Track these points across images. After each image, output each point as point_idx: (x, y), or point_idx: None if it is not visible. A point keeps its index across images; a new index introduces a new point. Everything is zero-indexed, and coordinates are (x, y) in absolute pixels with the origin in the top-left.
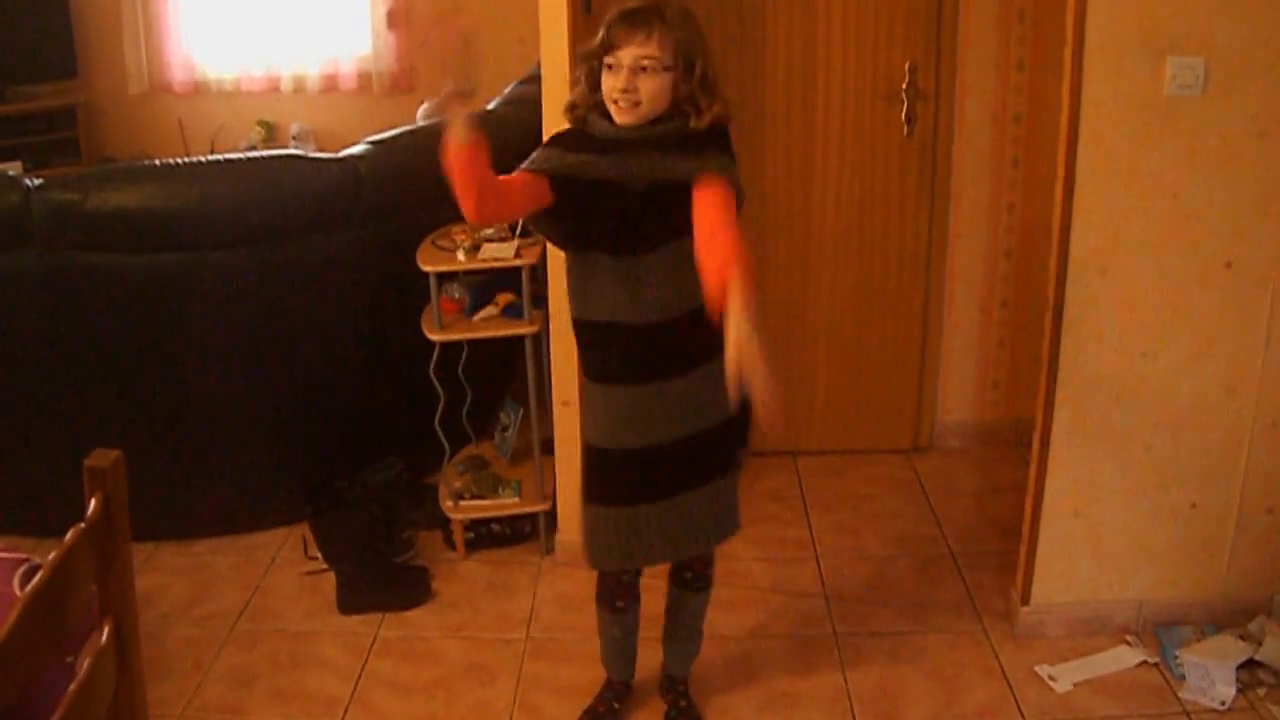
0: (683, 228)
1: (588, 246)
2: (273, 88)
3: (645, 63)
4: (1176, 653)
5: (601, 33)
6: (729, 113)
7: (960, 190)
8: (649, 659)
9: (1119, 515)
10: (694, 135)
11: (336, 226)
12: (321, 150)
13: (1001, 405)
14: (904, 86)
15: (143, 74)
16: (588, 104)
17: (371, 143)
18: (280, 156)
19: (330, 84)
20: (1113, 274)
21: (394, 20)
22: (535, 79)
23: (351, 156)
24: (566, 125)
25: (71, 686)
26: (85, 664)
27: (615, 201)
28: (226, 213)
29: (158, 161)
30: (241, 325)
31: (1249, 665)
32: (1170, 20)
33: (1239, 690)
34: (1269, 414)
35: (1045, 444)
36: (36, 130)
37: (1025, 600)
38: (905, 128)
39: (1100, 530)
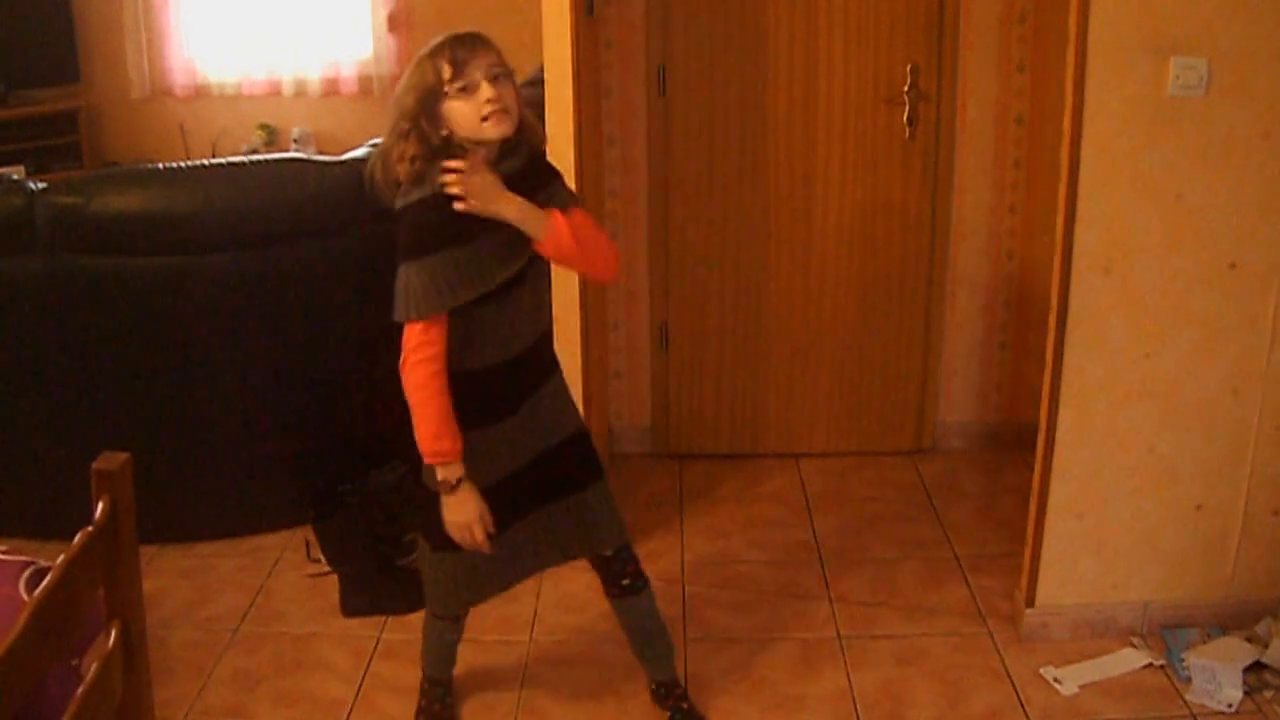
0: (535, 255)
1: (471, 308)
2: (274, 91)
3: (498, 70)
4: (1182, 655)
5: (436, 64)
6: (542, 138)
7: (962, 192)
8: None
9: (1124, 517)
10: (536, 169)
11: (339, 230)
12: (323, 153)
13: (1005, 407)
14: (906, 89)
15: (144, 78)
16: (425, 154)
17: (374, 146)
18: (282, 160)
19: (331, 87)
20: (1116, 275)
21: (395, 23)
22: (538, 82)
23: (354, 160)
24: (425, 193)
25: (80, 689)
26: (92, 667)
27: (490, 264)
28: (229, 216)
29: (160, 165)
30: (245, 328)
31: (1256, 668)
32: (1173, 20)
33: (1246, 693)
34: (1275, 415)
35: (1049, 445)
36: (39, 134)
37: (1030, 602)
38: (907, 130)
39: (1105, 532)
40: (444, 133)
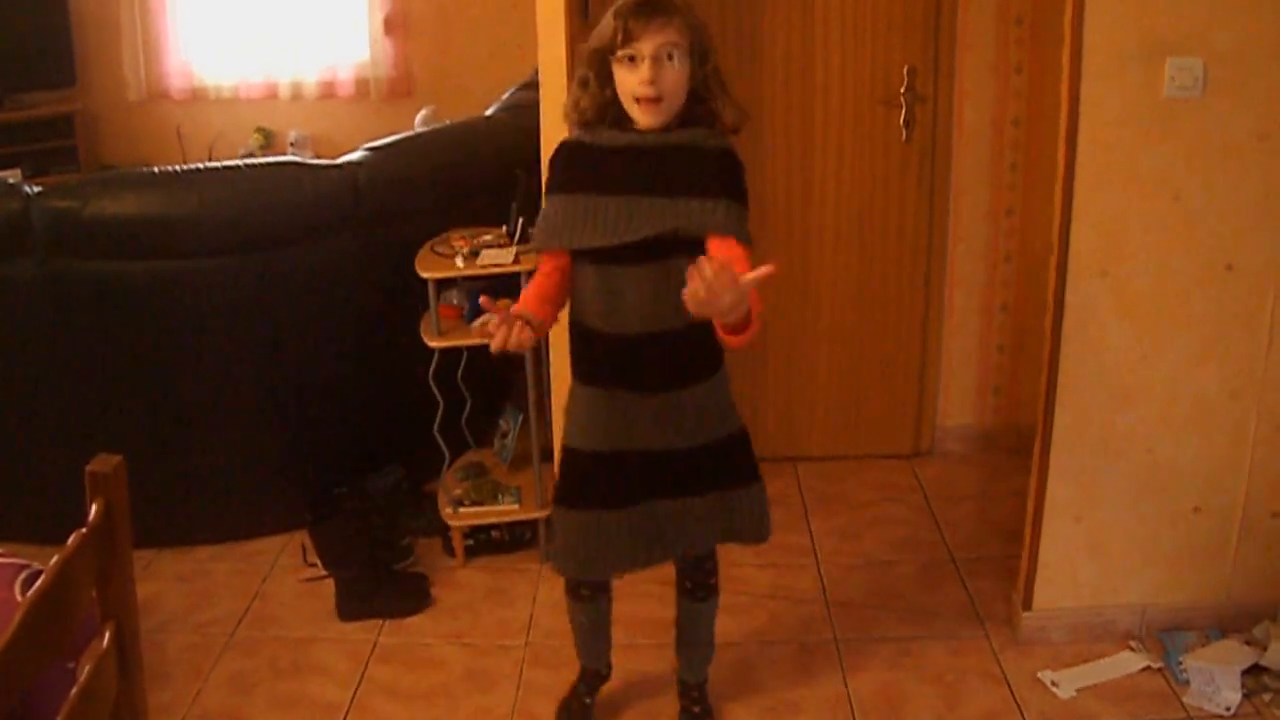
0: (670, 249)
1: (576, 255)
2: (270, 94)
3: (669, 50)
4: (1181, 658)
5: (613, 25)
6: (743, 114)
7: (959, 194)
8: (655, 660)
9: (1121, 519)
10: (707, 159)
11: (335, 233)
12: (319, 157)
13: (1002, 410)
14: (902, 91)
15: (141, 81)
16: (598, 105)
17: (370, 149)
18: (278, 163)
19: (328, 90)
20: (1113, 277)
21: (391, 26)
22: (533, 85)
23: (350, 163)
24: (565, 135)
25: (73, 691)
26: (86, 669)
27: (581, 225)
28: (225, 220)
29: (156, 169)
30: (240, 332)
31: (1254, 671)
32: (1168, 22)
33: (1244, 696)
34: (1272, 418)
35: (1046, 448)
36: (35, 138)
37: (1027, 605)
38: (904, 132)
39: (1102, 534)
40: (608, 92)
